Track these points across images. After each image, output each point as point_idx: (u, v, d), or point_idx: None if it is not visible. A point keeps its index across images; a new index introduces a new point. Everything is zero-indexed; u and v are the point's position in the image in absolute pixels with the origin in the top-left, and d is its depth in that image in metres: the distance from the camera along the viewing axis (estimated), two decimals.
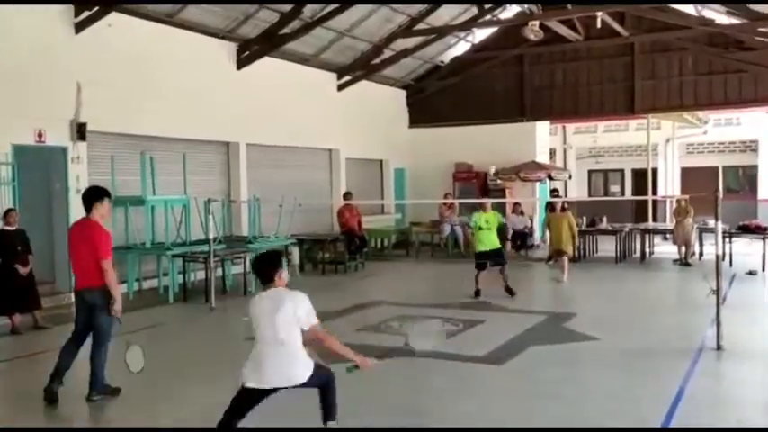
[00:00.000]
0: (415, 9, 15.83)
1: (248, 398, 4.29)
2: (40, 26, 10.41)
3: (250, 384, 4.26)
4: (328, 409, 4.50)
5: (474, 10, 16.41)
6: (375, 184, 19.45)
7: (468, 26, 16.94)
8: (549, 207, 13.23)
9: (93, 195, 5.82)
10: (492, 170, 16.25)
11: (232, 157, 14.39)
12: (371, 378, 6.55)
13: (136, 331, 8.83)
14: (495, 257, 10.61)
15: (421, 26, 16.24)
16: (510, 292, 10.56)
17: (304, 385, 4.32)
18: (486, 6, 15.91)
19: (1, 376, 7.09)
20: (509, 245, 16.02)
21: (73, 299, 10.59)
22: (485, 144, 18.59)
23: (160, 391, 6.14)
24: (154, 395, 6.04)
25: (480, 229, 10.50)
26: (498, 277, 10.73)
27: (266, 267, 4.55)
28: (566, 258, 12.31)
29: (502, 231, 10.97)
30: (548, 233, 12.92)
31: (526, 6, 14.97)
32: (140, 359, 5.67)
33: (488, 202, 11.27)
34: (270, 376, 4.25)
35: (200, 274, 11.58)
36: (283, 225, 13.22)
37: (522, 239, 16.30)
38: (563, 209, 12.86)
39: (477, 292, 10.54)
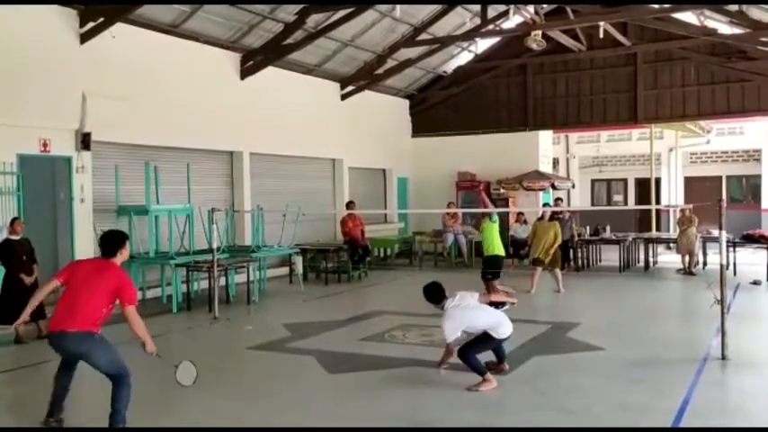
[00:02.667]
0: (418, 19, 15.91)
1: (500, 342, 6.60)
2: (46, 37, 10.48)
3: (504, 336, 6.55)
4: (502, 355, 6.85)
5: (477, 20, 16.48)
6: (378, 194, 19.47)
7: (470, 36, 16.99)
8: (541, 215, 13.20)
9: (119, 241, 5.42)
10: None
11: (236, 167, 14.43)
12: (372, 388, 6.57)
13: (138, 340, 8.85)
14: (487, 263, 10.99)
15: (424, 36, 16.30)
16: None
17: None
18: (489, 16, 15.96)
19: (5, 386, 7.08)
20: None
21: None
22: (488, 153, 18.61)
23: (160, 402, 6.12)
24: (154, 406, 6.01)
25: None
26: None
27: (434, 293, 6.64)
28: (557, 270, 12.30)
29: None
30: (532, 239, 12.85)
31: (529, 16, 15.00)
32: (191, 370, 5.52)
33: (485, 211, 11.37)
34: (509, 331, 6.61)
35: (204, 284, 11.58)
36: (287, 234, 13.25)
37: (524, 248, 16.25)
38: (552, 218, 12.79)
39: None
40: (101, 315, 5.13)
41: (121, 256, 5.40)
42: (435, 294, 6.57)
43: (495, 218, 10.97)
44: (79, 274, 5.27)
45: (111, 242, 5.39)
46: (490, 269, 10.82)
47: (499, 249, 10.83)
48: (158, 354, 5.38)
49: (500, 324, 6.50)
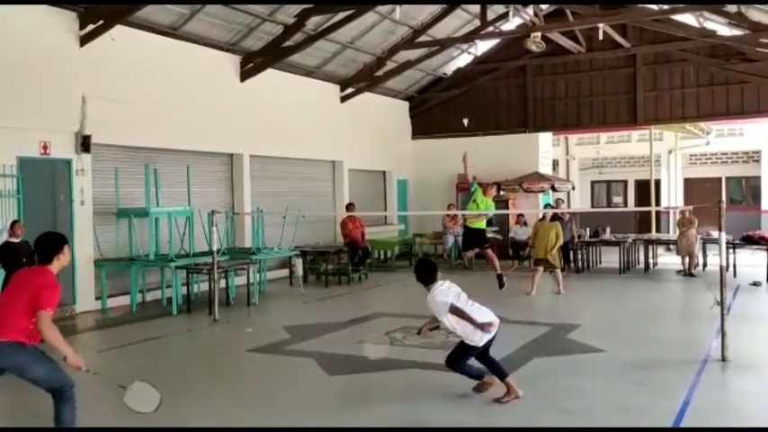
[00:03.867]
0: (418, 21, 15.93)
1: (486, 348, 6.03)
2: (46, 39, 10.48)
3: (485, 341, 5.96)
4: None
5: (476, 22, 16.49)
6: (378, 196, 19.48)
7: (470, 38, 17.00)
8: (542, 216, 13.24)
9: (55, 245, 4.80)
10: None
11: (236, 169, 14.44)
12: (372, 390, 6.57)
13: (139, 343, 8.86)
14: (478, 236, 11.53)
15: (423, 38, 16.32)
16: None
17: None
18: (489, 18, 15.98)
19: (3, 389, 7.06)
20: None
21: (76, 310, 10.73)
22: (488, 155, 18.57)
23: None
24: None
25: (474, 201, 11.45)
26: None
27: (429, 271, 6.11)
28: (557, 271, 12.30)
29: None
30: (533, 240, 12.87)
31: (528, 18, 15.02)
32: (151, 393, 4.72)
33: (492, 186, 11.67)
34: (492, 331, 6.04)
35: (204, 286, 11.58)
36: (287, 236, 13.25)
37: (524, 250, 16.28)
38: (553, 219, 12.80)
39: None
40: (28, 325, 4.51)
41: (59, 262, 4.77)
42: (428, 273, 6.05)
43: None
44: (11, 284, 4.83)
45: (46, 247, 4.80)
46: (485, 238, 11.58)
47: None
48: (91, 370, 4.71)
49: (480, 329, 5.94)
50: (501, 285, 11.16)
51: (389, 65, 16.93)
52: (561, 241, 12.38)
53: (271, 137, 14.72)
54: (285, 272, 14.35)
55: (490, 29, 16.72)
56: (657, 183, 21.85)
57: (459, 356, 6.08)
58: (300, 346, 8.50)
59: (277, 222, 13.16)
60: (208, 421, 5.69)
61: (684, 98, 17.46)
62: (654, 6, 15.18)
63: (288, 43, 13.96)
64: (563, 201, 18.46)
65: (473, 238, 11.65)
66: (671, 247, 16.66)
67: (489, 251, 11.39)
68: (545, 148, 19.49)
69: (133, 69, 11.68)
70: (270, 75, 14.47)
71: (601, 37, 14.41)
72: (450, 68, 19.32)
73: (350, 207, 15.65)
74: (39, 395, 5.94)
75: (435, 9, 15.80)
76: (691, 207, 15.50)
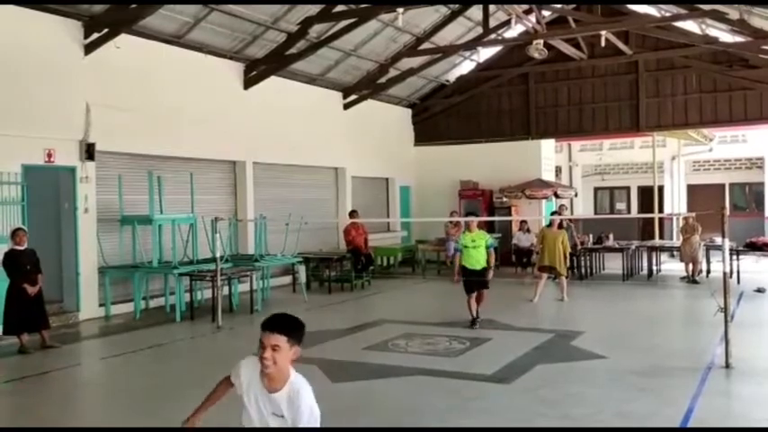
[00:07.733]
0: (420, 28, 15.99)
1: None
2: (50, 48, 10.54)
3: None
4: None
5: (479, 29, 16.55)
6: (381, 203, 19.50)
7: (472, 45, 17.06)
8: (550, 221, 13.19)
9: None
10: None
11: (239, 176, 14.47)
12: (374, 396, 6.56)
13: (142, 350, 8.88)
14: (480, 277, 9.97)
15: (426, 46, 16.37)
16: (474, 320, 9.85)
17: None
18: (491, 26, 16.03)
19: (9, 396, 7.09)
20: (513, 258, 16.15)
21: (80, 318, 10.76)
22: (490, 162, 18.66)
23: (160, 412, 6.11)
24: (153, 415, 6.01)
25: (466, 247, 10.02)
26: (504, 296, 10.78)
27: None
28: (562, 278, 12.27)
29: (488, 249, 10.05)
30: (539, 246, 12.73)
31: (530, 25, 15.06)
32: None
33: (474, 220, 10.60)
34: None
35: (207, 293, 11.59)
36: (290, 243, 13.27)
37: (527, 257, 16.29)
38: (560, 226, 12.79)
39: (474, 322, 9.84)
40: None
41: None
42: (301, 328, 3.37)
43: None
44: None
45: None
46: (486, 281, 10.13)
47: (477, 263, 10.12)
48: None
49: None
50: (473, 324, 9.82)
51: (392, 72, 16.99)
52: (569, 250, 12.39)
53: (274, 144, 14.76)
54: (288, 279, 14.36)
55: (492, 36, 16.78)
56: (660, 189, 21.86)
57: None
58: (303, 352, 8.41)
59: (280, 229, 13.18)
60: (209, 423, 5.68)
61: (687, 104, 17.47)
62: (656, 13, 15.21)
63: (291, 51, 14.02)
64: (566, 207, 18.44)
65: (475, 280, 10.05)
66: (674, 253, 16.63)
67: (485, 293, 10.05)
68: (547, 155, 19.50)
69: (137, 77, 11.74)
70: (273, 82, 14.53)
71: (603, 44, 14.43)
72: (452, 76, 19.37)
73: (353, 214, 15.68)
74: (39, 396, 5.96)
75: (438, 16, 15.87)
76: (694, 213, 15.49)
